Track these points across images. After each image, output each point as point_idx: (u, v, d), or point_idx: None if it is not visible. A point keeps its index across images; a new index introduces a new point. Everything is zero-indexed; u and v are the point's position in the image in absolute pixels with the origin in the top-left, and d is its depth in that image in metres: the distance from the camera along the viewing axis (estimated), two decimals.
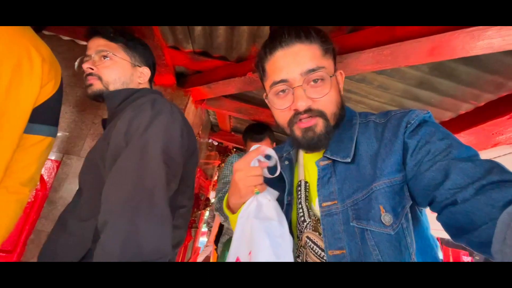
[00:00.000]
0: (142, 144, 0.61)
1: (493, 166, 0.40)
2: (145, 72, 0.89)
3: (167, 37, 1.27)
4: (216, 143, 2.98)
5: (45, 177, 1.36)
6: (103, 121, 0.90)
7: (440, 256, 0.54)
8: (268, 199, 0.56)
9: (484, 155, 1.61)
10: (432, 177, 0.45)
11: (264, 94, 0.64)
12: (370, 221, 0.49)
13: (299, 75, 0.54)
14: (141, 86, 0.88)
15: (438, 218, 0.45)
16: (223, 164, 3.22)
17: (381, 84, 1.33)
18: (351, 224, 0.51)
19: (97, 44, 0.83)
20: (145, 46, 0.92)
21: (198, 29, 1.16)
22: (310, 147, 0.58)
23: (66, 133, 1.43)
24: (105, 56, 0.82)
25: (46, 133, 0.81)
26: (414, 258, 0.47)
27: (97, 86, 0.81)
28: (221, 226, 2.44)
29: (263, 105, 1.84)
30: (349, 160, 0.55)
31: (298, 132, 0.57)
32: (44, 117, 0.78)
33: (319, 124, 0.55)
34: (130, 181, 0.57)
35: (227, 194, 0.65)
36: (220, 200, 1.69)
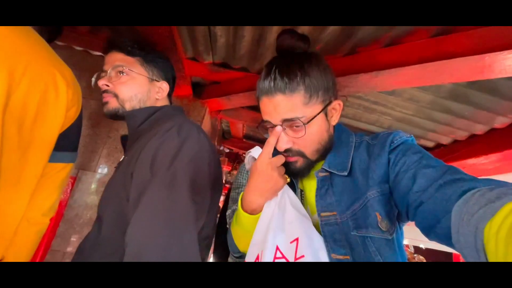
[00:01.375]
0: (169, 179, 0.56)
1: (448, 168, 0.46)
2: (164, 87, 0.84)
3: (186, 49, 1.22)
4: (227, 150, 2.93)
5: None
6: (122, 138, 0.85)
7: None
8: (292, 194, 0.61)
9: None
10: (405, 185, 0.50)
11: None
12: (368, 228, 0.53)
13: (279, 121, 0.59)
14: (159, 102, 0.83)
15: (416, 223, 0.48)
16: (235, 171, 3.10)
17: (411, 97, 1.26)
18: (352, 233, 0.55)
19: (113, 59, 0.78)
20: (165, 60, 0.87)
21: (221, 41, 1.10)
22: (294, 177, 0.65)
23: (81, 148, 1.38)
24: (121, 72, 0.77)
25: (68, 160, 0.76)
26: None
27: (112, 104, 0.77)
28: (222, 241, 2.23)
29: None
30: (345, 173, 0.60)
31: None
32: (66, 143, 0.73)
33: (299, 161, 0.62)
34: (159, 221, 0.53)
35: (241, 195, 0.66)
36: (234, 213, 1.56)
